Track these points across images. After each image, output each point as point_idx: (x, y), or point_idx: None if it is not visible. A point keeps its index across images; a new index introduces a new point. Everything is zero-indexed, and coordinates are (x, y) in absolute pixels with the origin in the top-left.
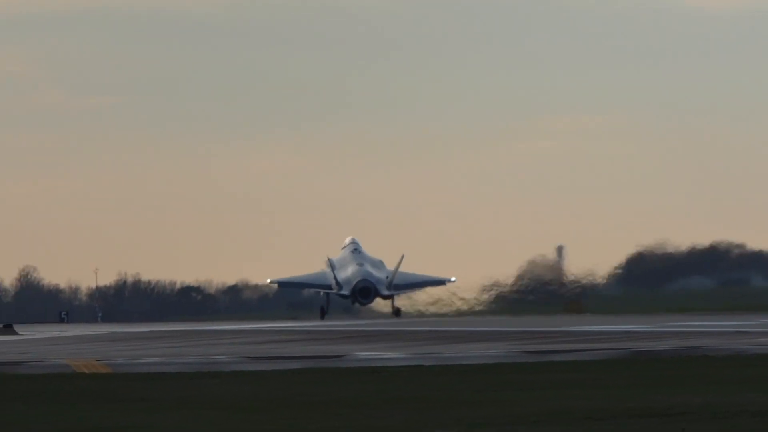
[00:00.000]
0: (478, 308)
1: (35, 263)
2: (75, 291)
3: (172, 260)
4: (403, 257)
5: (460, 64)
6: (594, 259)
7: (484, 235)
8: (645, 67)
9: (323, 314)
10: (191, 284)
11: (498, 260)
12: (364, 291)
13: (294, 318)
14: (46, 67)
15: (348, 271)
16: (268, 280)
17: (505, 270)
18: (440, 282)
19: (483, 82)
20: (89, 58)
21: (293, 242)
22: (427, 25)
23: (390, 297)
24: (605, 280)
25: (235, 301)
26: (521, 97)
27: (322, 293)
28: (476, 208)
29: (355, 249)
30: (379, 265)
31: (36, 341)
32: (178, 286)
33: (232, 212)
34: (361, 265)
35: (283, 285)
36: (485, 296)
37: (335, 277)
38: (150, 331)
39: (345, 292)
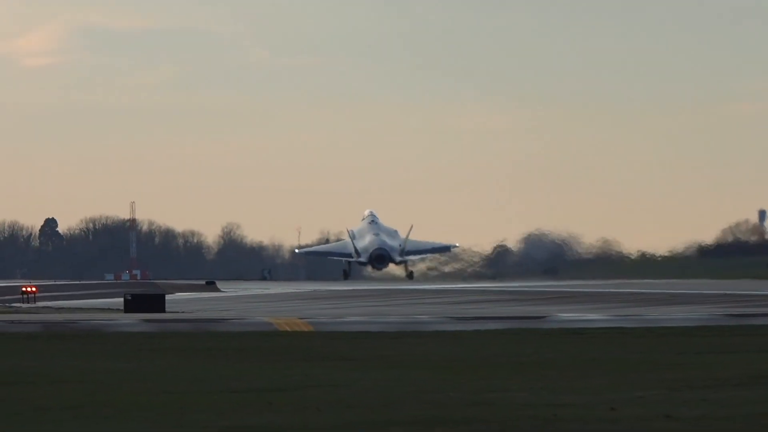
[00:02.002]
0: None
1: (239, 221)
2: (278, 249)
3: None
4: (412, 227)
5: (656, 25)
6: None
7: (687, 199)
8: None
9: (346, 276)
10: None
11: (701, 223)
12: (379, 258)
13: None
14: (251, 26)
15: (366, 241)
16: (296, 251)
17: (708, 233)
18: (446, 248)
19: (683, 44)
20: (293, 17)
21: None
22: None
23: (403, 263)
24: None
25: None
26: (720, 59)
27: (344, 260)
28: (679, 172)
29: (373, 221)
30: (393, 234)
31: (238, 298)
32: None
33: (430, 170)
34: (377, 234)
35: (308, 254)
36: (687, 257)
37: (354, 246)
38: (352, 290)
39: (363, 259)
